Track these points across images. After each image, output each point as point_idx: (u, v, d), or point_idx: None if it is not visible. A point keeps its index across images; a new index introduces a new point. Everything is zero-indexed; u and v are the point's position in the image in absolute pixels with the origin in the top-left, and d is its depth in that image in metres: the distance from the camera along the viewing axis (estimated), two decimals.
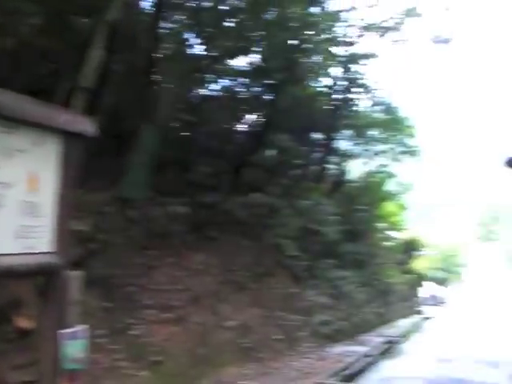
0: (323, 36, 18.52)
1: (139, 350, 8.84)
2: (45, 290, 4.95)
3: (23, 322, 6.61)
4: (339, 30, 21.43)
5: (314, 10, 18.73)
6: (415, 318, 26.45)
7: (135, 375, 8.34)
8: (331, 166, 22.87)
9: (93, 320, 8.29)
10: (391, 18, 22.29)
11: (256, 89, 17.44)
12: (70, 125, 4.86)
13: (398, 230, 30.93)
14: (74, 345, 4.86)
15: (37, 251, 4.59)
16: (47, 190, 4.71)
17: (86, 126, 5.02)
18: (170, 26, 14.42)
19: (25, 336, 6.47)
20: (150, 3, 13.53)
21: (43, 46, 10.19)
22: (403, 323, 23.24)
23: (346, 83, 21.85)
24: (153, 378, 8.59)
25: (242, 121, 18.15)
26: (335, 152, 22.67)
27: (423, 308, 31.38)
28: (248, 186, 14.99)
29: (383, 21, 22.03)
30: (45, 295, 4.96)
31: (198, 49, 15.16)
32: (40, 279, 5.16)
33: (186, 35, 14.75)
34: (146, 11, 13.81)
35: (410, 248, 31.72)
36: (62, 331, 4.73)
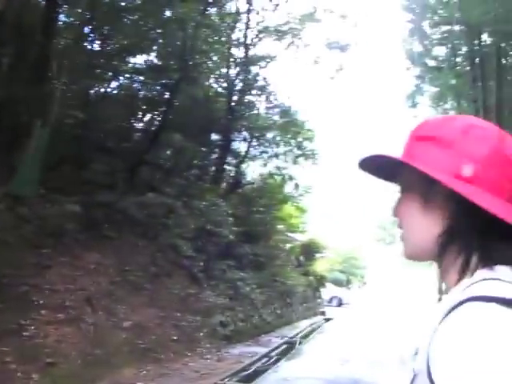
0: (220, 37, 18.60)
1: (31, 352, 8.49)
2: None
3: None
4: (237, 31, 21.60)
5: (211, 10, 18.80)
6: (316, 320, 26.73)
7: (27, 378, 8.01)
8: (228, 168, 22.90)
9: None
10: (288, 22, 22.67)
11: (154, 88, 17.24)
12: None
13: (298, 232, 31.23)
14: None
15: None
16: None
17: None
18: (66, 19, 14.04)
19: None
20: None
21: None
22: (304, 324, 23.40)
23: (243, 85, 21.95)
24: (45, 380, 8.27)
25: (140, 119, 17.91)
26: (232, 153, 22.70)
27: (325, 309, 31.77)
28: (144, 186, 14.79)
29: (281, 24, 22.36)
30: None
31: (95, 44, 14.87)
32: None
33: (84, 30, 14.40)
34: (41, 2, 13.37)
35: (311, 250, 32.03)
36: None
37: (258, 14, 22.26)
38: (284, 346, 16.39)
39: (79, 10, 14.19)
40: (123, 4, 14.71)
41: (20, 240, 9.97)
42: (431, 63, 31.81)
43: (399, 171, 1.25)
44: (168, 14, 15.67)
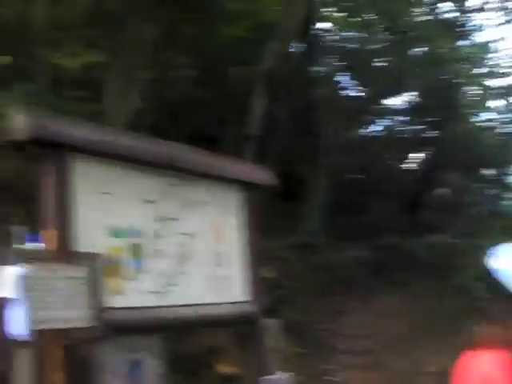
0: (476, 69, 18.02)
1: None
2: (243, 338, 5.13)
3: (225, 368, 6.75)
4: (491, 61, 20.68)
5: (462, 43, 18.29)
6: None
7: None
8: (506, 203, 21.46)
9: (289, 366, 7.89)
10: None
11: (416, 127, 16.91)
12: (247, 175, 5.15)
13: None
14: None
15: (232, 300, 4.78)
16: (233, 239, 4.95)
17: (263, 175, 5.32)
18: (323, 69, 14.41)
19: (227, 382, 6.57)
20: (302, 48, 13.51)
21: (199, 97, 10.41)
22: None
23: (510, 115, 20.72)
24: None
25: (406, 160, 17.62)
26: (508, 187, 21.29)
27: None
28: (424, 226, 14.29)
29: None
30: (243, 343, 5.16)
31: (351, 90, 15.15)
32: (237, 327, 5.18)
33: (338, 77, 14.80)
34: (298, 56, 13.86)
35: None
36: (265, 378, 4.79)
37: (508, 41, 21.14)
38: None
39: (333, 60, 14.60)
40: (376, 47, 14.79)
41: (313, 287, 10.14)
42: None
43: None
44: (420, 51, 15.48)
